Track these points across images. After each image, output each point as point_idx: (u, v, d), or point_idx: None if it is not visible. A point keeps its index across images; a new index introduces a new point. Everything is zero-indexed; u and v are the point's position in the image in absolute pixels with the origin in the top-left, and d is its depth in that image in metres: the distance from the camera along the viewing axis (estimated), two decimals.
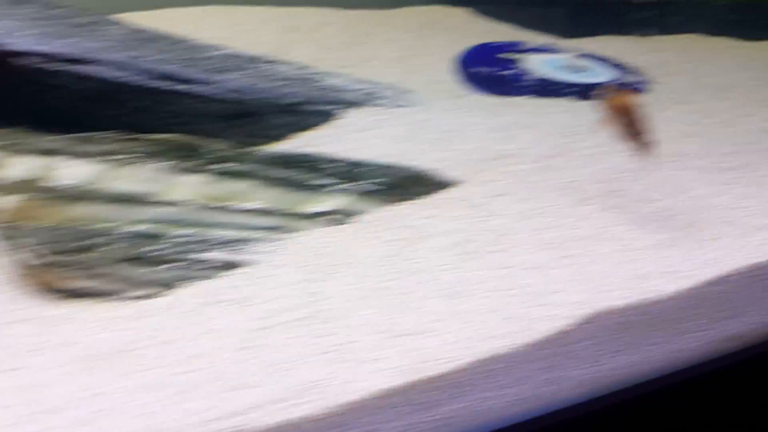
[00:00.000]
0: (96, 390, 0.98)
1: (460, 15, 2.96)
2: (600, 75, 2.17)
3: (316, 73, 1.97)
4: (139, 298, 1.16)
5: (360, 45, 2.50)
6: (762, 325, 1.37)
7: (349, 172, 1.41)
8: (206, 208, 1.30)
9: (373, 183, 1.41)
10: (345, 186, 1.39)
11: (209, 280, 1.20)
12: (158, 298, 1.17)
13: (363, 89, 1.92)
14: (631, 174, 1.56)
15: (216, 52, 1.93)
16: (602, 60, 2.30)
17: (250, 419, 0.98)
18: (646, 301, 1.23)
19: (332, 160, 1.44)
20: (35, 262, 1.17)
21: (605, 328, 1.21)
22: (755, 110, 2.09)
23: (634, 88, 2.13)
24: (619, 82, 2.14)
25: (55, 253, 1.18)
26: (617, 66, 2.27)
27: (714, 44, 2.72)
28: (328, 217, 1.35)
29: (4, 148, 1.30)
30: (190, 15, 2.74)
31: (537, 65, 2.18)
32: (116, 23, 1.98)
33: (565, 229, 1.37)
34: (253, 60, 1.95)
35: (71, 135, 1.35)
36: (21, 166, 1.28)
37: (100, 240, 1.20)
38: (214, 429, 0.95)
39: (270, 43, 2.43)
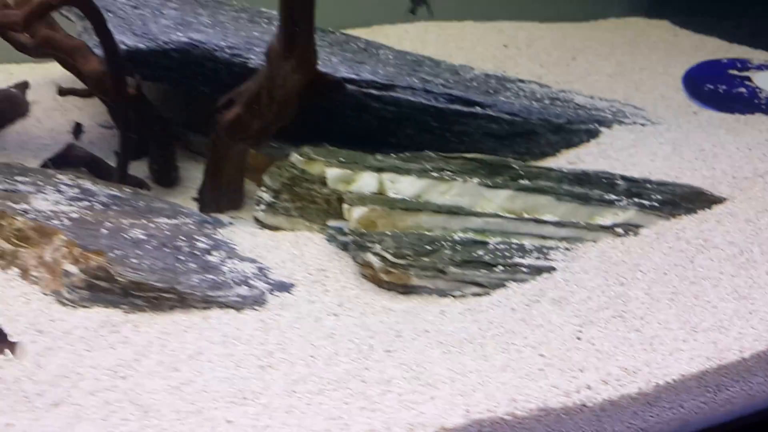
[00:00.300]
0: (465, 369, 1.18)
1: (662, 27, 3.03)
2: None
3: (563, 92, 2.13)
4: (474, 295, 1.37)
5: (574, 60, 2.62)
6: None
7: (629, 190, 1.56)
8: (515, 219, 1.49)
9: (652, 199, 1.56)
10: (628, 201, 1.54)
11: (528, 282, 1.39)
12: (489, 296, 1.37)
13: (609, 107, 2.07)
14: None
15: (474, 73, 2.12)
16: None
17: (586, 396, 1.16)
18: None
19: (613, 178, 1.59)
20: (381, 263, 1.40)
21: None
22: None
23: None
24: None
25: (398, 256, 1.39)
26: None
27: None
28: (616, 229, 1.52)
29: (349, 166, 1.53)
30: (404, 32, 2.93)
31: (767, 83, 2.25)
32: (381, 46, 2.21)
33: None
34: (506, 80, 2.13)
35: (398, 155, 1.57)
36: (364, 181, 1.52)
37: (435, 246, 1.41)
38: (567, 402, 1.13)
39: (492, 60, 2.60)
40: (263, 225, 1.57)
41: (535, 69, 2.53)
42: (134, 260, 1.32)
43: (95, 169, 1.74)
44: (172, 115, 1.86)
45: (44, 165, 1.73)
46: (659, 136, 1.90)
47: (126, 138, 1.69)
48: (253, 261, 1.43)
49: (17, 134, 1.96)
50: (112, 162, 1.75)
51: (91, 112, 2.07)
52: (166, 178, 1.80)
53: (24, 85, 2.11)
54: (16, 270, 1.33)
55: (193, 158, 1.87)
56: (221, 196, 1.69)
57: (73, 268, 1.27)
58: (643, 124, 1.98)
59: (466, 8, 3.08)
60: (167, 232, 1.45)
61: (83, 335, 1.19)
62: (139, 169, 1.79)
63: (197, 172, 1.78)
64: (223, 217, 1.62)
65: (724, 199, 1.61)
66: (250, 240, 1.51)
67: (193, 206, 1.69)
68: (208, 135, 1.68)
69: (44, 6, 1.53)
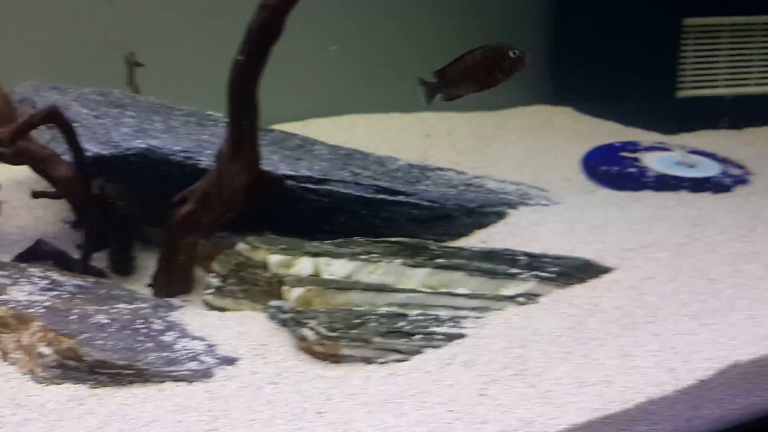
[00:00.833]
0: (385, 425, 1.33)
1: (565, 114, 3.30)
2: (709, 169, 2.47)
3: (477, 177, 2.34)
4: (396, 361, 1.52)
5: (488, 147, 2.86)
6: None
7: (530, 264, 1.75)
8: (432, 293, 1.66)
9: (550, 271, 1.75)
10: (529, 274, 1.73)
11: (442, 348, 1.55)
12: (408, 362, 1.52)
13: (516, 190, 2.28)
14: (750, 257, 1.86)
15: (399, 163, 2.32)
16: (708, 155, 2.60)
17: None
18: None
19: (516, 254, 1.78)
20: (315, 336, 1.55)
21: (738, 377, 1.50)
22: None
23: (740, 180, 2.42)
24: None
25: (331, 330, 1.55)
26: (722, 160, 2.56)
27: None
28: (518, 299, 1.70)
29: (289, 252, 1.70)
30: (337, 124, 3.14)
31: (654, 162, 2.49)
32: (316, 142, 2.41)
33: (703, 304, 1.67)
34: (426, 169, 2.34)
35: (329, 241, 1.74)
36: (301, 265, 1.68)
37: (362, 319, 1.56)
38: None
39: (416, 149, 2.81)
40: (212, 307, 1.72)
41: (454, 156, 2.76)
42: (99, 342, 1.46)
43: (61, 261, 1.88)
44: (130, 210, 2.02)
45: (16, 259, 1.87)
46: (558, 215, 2.11)
47: (90, 233, 1.85)
48: (202, 339, 1.56)
49: None
50: (75, 254, 1.89)
51: (55, 210, 2.21)
52: (124, 267, 1.94)
53: None
54: None
55: (147, 248, 2.02)
56: (173, 282, 1.83)
57: (47, 350, 1.41)
58: (545, 205, 2.19)
59: (392, 101, 3.33)
60: (127, 317, 1.59)
61: (55, 408, 1.32)
62: (99, 259, 1.94)
63: (151, 260, 1.92)
64: (175, 301, 1.75)
65: (612, 268, 1.80)
66: (199, 320, 1.65)
67: (148, 292, 1.83)
68: (162, 228, 1.84)
69: (27, 125, 1.73)
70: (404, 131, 3.00)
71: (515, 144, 2.82)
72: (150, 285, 1.84)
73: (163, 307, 1.69)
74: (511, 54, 1.66)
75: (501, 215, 2.08)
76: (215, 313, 1.70)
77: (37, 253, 1.89)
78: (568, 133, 2.97)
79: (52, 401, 1.34)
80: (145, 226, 2.03)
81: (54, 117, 1.74)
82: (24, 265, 1.78)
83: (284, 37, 1.69)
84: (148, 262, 1.95)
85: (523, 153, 2.73)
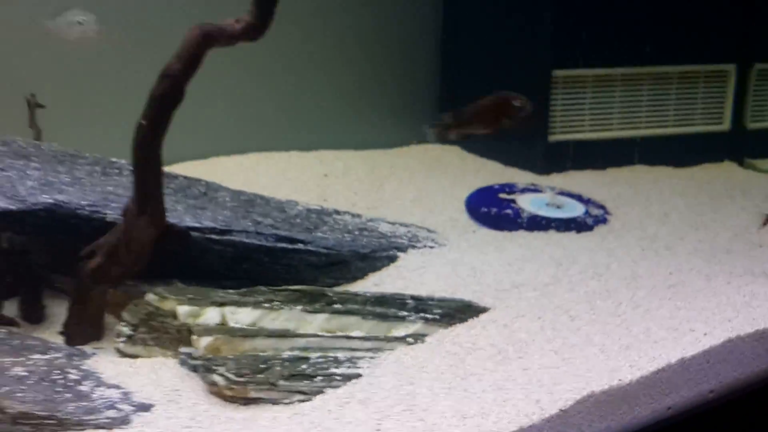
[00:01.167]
0: None
1: (453, 152, 3.56)
2: (574, 210, 2.75)
3: (371, 221, 2.53)
4: (300, 401, 1.69)
5: (382, 187, 3.06)
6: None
7: (417, 306, 1.95)
8: (330, 337, 1.84)
9: (434, 313, 1.95)
10: (416, 316, 1.93)
11: (341, 388, 1.72)
12: (311, 402, 1.69)
13: (406, 233, 2.49)
14: (604, 295, 2.13)
15: (298, 209, 2.49)
16: (574, 196, 2.89)
17: None
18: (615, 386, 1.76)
19: (405, 297, 1.98)
20: (225, 382, 1.69)
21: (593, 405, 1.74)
22: (687, 233, 2.68)
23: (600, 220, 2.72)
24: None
25: (239, 375, 1.69)
26: (586, 201, 2.86)
27: (655, 174, 3.34)
28: (408, 338, 1.89)
29: (196, 302, 1.84)
30: (239, 164, 3.27)
31: (528, 204, 2.75)
32: (220, 187, 2.54)
33: (564, 339, 1.92)
34: (324, 213, 2.52)
35: (235, 290, 1.89)
36: (209, 315, 1.82)
37: (268, 364, 1.72)
38: None
39: (314, 190, 2.99)
40: (124, 354, 1.83)
41: (351, 196, 2.94)
42: (20, 394, 1.55)
43: None
44: (38, 258, 2.09)
45: None
46: (443, 257, 2.33)
47: None
48: (117, 387, 1.68)
49: None
50: None
51: None
52: (35, 315, 2.02)
53: None
54: None
55: (57, 296, 2.10)
56: (85, 330, 1.93)
57: None
58: (432, 247, 2.41)
59: (292, 139, 3.49)
60: (44, 368, 1.69)
61: None
62: (9, 308, 2.01)
63: (61, 308, 2.01)
64: (88, 349, 1.86)
65: (488, 308, 2.03)
66: (113, 368, 1.76)
67: (59, 339, 1.93)
68: (71, 276, 1.94)
69: None
70: (304, 171, 3.17)
71: (407, 184, 3.04)
72: (62, 333, 1.93)
73: (77, 356, 1.80)
74: (517, 103, 1.85)
75: (392, 259, 2.28)
76: (127, 360, 1.82)
77: None
78: (455, 172, 3.21)
79: None
80: (53, 274, 2.10)
81: None
82: None
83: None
84: (57, 310, 2.04)
85: (415, 193, 2.94)
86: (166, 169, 1.96)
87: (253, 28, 1.90)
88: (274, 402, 1.68)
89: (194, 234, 2.02)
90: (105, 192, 2.15)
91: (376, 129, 3.61)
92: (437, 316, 1.96)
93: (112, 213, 2.03)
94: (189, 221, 2.07)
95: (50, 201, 1.98)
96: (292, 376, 1.72)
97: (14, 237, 1.94)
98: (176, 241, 1.92)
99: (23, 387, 1.59)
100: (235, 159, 3.30)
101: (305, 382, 1.72)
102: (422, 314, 1.95)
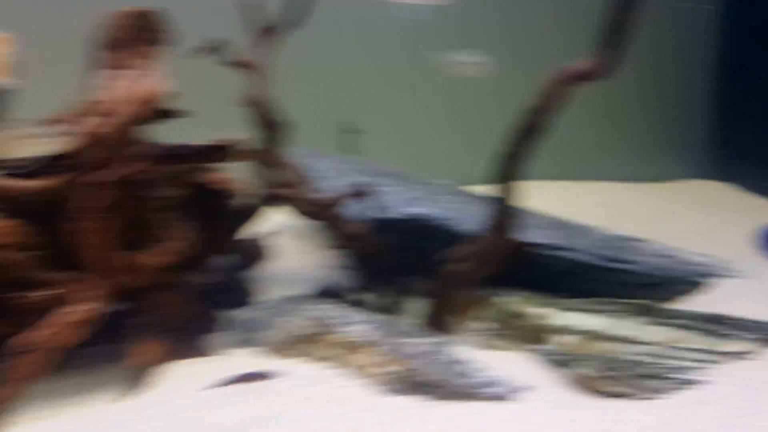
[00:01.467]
0: None
1: (727, 189, 3.66)
2: None
3: (670, 249, 2.72)
4: (652, 399, 1.92)
5: (660, 219, 3.22)
6: None
7: (744, 326, 2.14)
8: (664, 347, 2.07)
9: (758, 333, 2.13)
10: (746, 335, 2.12)
11: (687, 390, 1.94)
12: (665, 400, 1.91)
13: (705, 262, 2.66)
14: None
15: (603, 233, 2.73)
16: None
17: None
18: None
19: (732, 318, 2.18)
20: (591, 375, 1.95)
21: None
22: None
23: None
24: None
25: (599, 370, 1.96)
26: None
27: None
28: (735, 356, 2.08)
29: (546, 306, 2.14)
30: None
31: None
32: (531, 212, 2.83)
33: None
34: (627, 239, 2.74)
35: (580, 299, 2.17)
36: (558, 317, 2.11)
37: (621, 363, 1.98)
38: None
39: (599, 218, 3.19)
40: (483, 346, 2.15)
41: (636, 227, 3.08)
42: (419, 366, 1.90)
43: (352, 300, 2.35)
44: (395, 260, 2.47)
45: (315, 295, 2.35)
46: (747, 286, 2.48)
47: (379, 278, 2.32)
48: (488, 370, 1.99)
49: None
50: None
51: (322, 256, 2.69)
52: (394, 308, 2.40)
53: None
54: None
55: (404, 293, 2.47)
56: (442, 323, 2.27)
57: (390, 369, 1.89)
58: (732, 277, 2.57)
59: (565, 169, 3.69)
60: (427, 348, 2.03)
61: (400, 413, 1.76)
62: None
63: (409, 304, 2.38)
64: (454, 339, 2.19)
65: None
66: (478, 356, 2.08)
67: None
68: (428, 277, 2.30)
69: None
70: (579, 200, 3.39)
71: (686, 218, 3.19)
72: (430, 323, 2.28)
73: (446, 344, 2.13)
74: None
75: (695, 284, 2.47)
76: (485, 352, 2.13)
77: (330, 292, 2.36)
78: (734, 208, 3.31)
79: (398, 407, 1.78)
80: (403, 273, 2.48)
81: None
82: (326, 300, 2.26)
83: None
84: (408, 305, 2.40)
85: (697, 226, 3.09)
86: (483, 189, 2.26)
87: (605, 69, 2.15)
88: (632, 396, 1.92)
89: (535, 249, 2.31)
90: (451, 209, 2.50)
91: (644, 163, 3.79)
92: (760, 337, 2.13)
93: (459, 226, 2.37)
94: (530, 237, 2.37)
95: (418, 212, 2.36)
96: (643, 376, 1.96)
97: (388, 239, 2.33)
98: (524, 254, 2.23)
99: (420, 361, 1.94)
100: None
101: (655, 382, 1.95)
102: (750, 333, 2.13)
